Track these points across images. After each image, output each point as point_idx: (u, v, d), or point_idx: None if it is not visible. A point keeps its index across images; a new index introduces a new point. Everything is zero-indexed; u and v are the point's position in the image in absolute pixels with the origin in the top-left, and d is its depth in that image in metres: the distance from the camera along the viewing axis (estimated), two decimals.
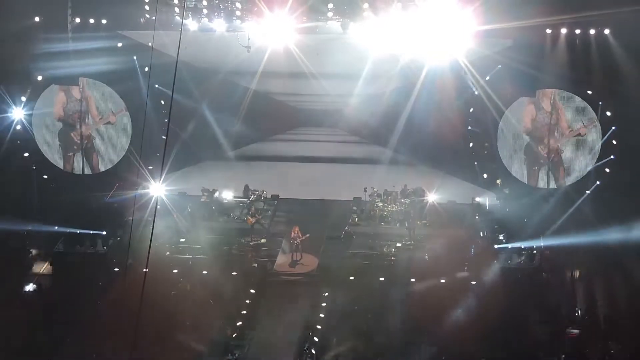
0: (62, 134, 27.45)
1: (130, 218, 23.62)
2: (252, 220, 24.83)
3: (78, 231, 23.85)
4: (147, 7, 24.89)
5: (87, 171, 27.56)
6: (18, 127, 26.42)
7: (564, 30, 24.86)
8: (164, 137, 25.24)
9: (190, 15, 24.58)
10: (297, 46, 24.98)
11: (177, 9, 24.10)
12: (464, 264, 22.48)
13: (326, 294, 21.13)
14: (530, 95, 25.85)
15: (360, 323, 19.54)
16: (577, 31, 24.88)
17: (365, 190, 26.49)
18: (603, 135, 25.35)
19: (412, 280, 21.63)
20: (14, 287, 21.30)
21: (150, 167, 25.21)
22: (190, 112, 26.70)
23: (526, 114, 26.06)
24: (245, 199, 26.59)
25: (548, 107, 25.86)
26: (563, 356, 18.76)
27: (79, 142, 27.50)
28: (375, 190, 26.40)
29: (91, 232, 23.92)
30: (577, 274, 22.73)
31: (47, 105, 26.87)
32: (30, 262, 23.57)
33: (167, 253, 23.40)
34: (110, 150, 27.55)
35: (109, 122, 27.43)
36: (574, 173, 25.85)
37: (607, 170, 25.41)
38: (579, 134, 25.83)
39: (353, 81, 26.33)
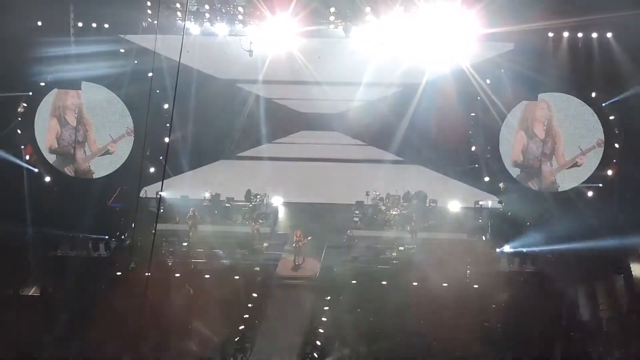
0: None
1: (133, 222, 23.68)
2: (255, 224, 24.82)
3: (81, 235, 23.87)
4: (149, 12, 24.90)
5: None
6: (19, 132, 26.49)
7: (566, 34, 24.88)
8: (166, 140, 25.22)
9: (192, 20, 24.63)
10: (299, 50, 25.04)
11: (179, 13, 24.11)
12: (466, 267, 22.43)
13: (328, 297, 21.09)
14: (532, 99, 25.85)
15: (362, 327, 19.50)
16: (580, 34, 24.89)
17: (367, 194, 26.43)
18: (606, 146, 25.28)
19: (415, 284, 21.59)
20: (16, 290, 21.28)
21: (152, 170, 25.37)
22: (192, 116, 26.68)
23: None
24: (248, 203, 26.58)
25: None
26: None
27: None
28: (378, 194, 26.36)
29: (94, 236, 23.94)
30: (579, 278, 22.66)
31: (48, 109, 26.85)
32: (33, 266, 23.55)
33: (170, 257, 23.40)
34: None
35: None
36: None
37: (610, 173, 25.40)
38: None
39: (355, 85, 26.35)
